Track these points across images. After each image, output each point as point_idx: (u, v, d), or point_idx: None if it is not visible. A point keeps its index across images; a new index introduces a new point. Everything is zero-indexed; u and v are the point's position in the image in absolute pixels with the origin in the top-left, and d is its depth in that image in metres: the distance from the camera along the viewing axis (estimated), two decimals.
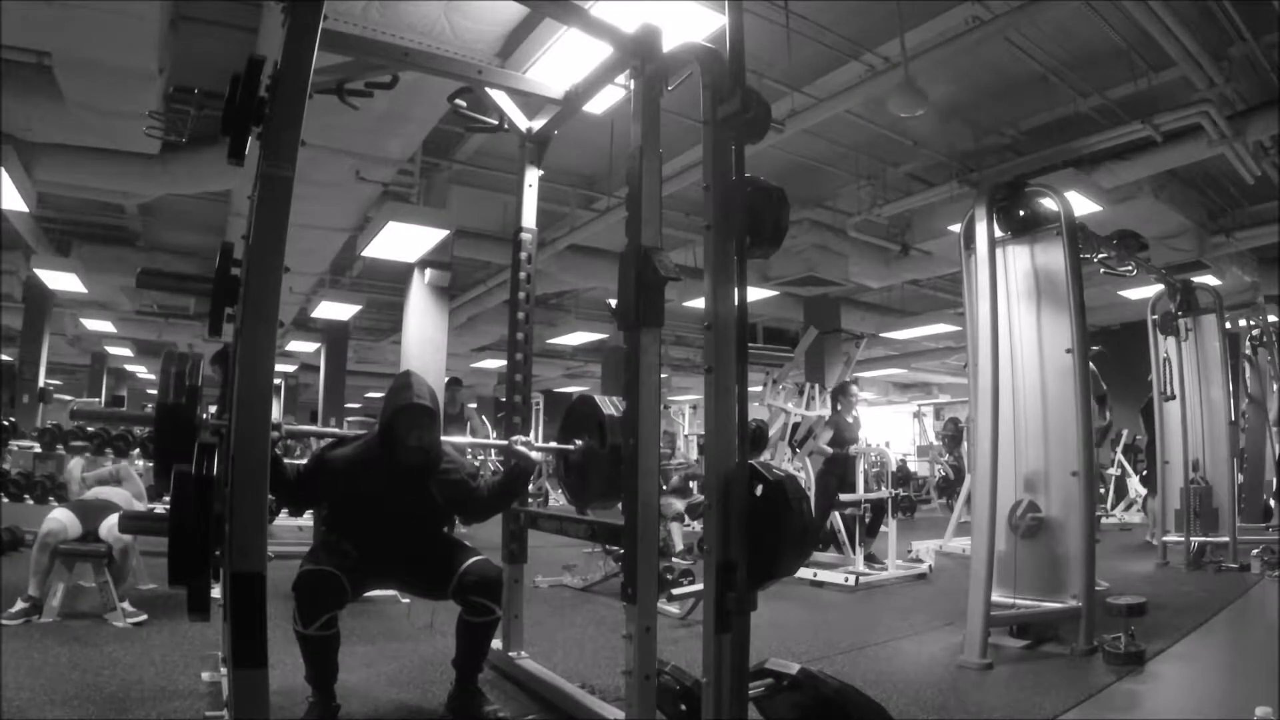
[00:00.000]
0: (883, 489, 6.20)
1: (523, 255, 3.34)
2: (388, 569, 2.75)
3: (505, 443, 2.93)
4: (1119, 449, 10.75)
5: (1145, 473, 9.36)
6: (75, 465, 4.89)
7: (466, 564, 2.68)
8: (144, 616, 3.78)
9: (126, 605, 3.80)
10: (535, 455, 2.89)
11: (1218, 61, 5.00)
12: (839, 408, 6.60)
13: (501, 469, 3.48)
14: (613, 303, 2.73)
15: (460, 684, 2.75)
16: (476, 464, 2.94)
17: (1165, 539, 6.50)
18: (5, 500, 5.57)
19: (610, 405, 2.79)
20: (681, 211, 7.36)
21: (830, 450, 6.30)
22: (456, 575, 2.66)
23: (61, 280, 9.07)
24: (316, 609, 2.42)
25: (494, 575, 2.70)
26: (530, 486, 3.67)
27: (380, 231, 6.57)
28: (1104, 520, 9.36)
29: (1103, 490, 10.22)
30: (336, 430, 2.92)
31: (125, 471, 4.74)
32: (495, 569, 2.73)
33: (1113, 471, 10.63)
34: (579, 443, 2.93)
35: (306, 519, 5.95)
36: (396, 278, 9.15)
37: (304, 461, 6.64)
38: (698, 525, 6.62)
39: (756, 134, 2.15)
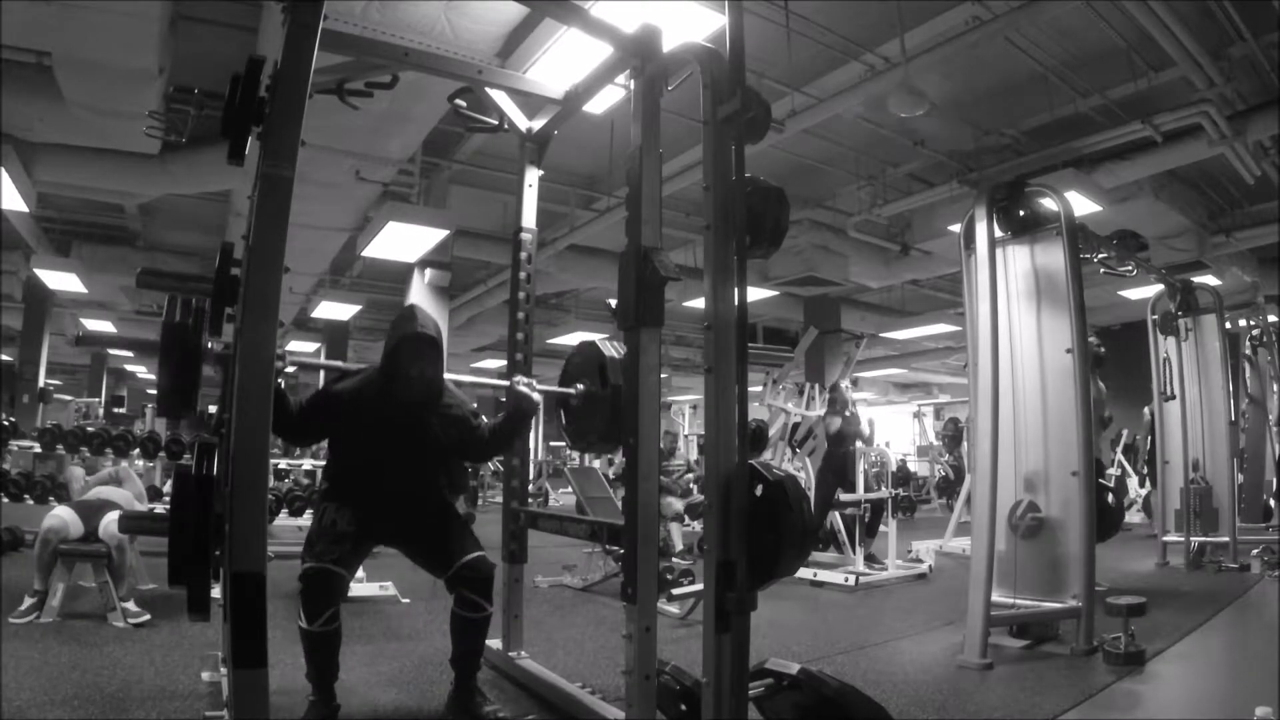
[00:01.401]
0: (882, 489, 6.20)
1: (523, 255, 3.34)
2: (390, 528, 2.72)
3: (507, 382, 2.91)
4: (1119, 449, 10.75)
5: (1146, 471, 9.37)
6: (77, 472, 4.92)
7: (466, 558, 2.67)
8: (147, 616, 3.77)
9: (130, 605, 3.79)
10: (536, 396, 2.86)
11: (1218, 61, 5.00)
12: (836, 407, 6.60)
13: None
14: (613, 303, 2.71)
15: (459, 683, 2.74)
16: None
17: (1165, 539, 6.50)
18: (5, 500, 5.57)
19: (610, 348, 2.81)
20: (681, 211, 7.37)
21: (838, 423, 6.33)
22: (455, 566, 2.66)
23: (61, 280, 9.08)
24: (320, 605, 2.43)
25: (488, 573, 2.70)
26: (530, 486, 3.67)
27: (380, 231, 6.58)
28: None
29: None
30: (340, 364, 2.91)
31: (125, 472, 4.75)
32: (490, 566, 2.73)
33: (1113, 471, 10.63)
34: (580, 387, 2.93)
35: (306, 519, 5.95)
36: (396, 278, 9.16)
37: (306, 480, 6.63)
38: (698, 525, 6.62)
39: (756, 134, 2.15)
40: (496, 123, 3.32)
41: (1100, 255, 4.94)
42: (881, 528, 6.10)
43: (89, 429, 6.08)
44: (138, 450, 5.94)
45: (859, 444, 6.35)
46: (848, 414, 6.51)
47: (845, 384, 6.90)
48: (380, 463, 2.66)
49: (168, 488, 5.54)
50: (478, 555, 2.71)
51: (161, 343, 2.02)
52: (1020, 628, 3.87)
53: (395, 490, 2.69)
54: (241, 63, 2.04)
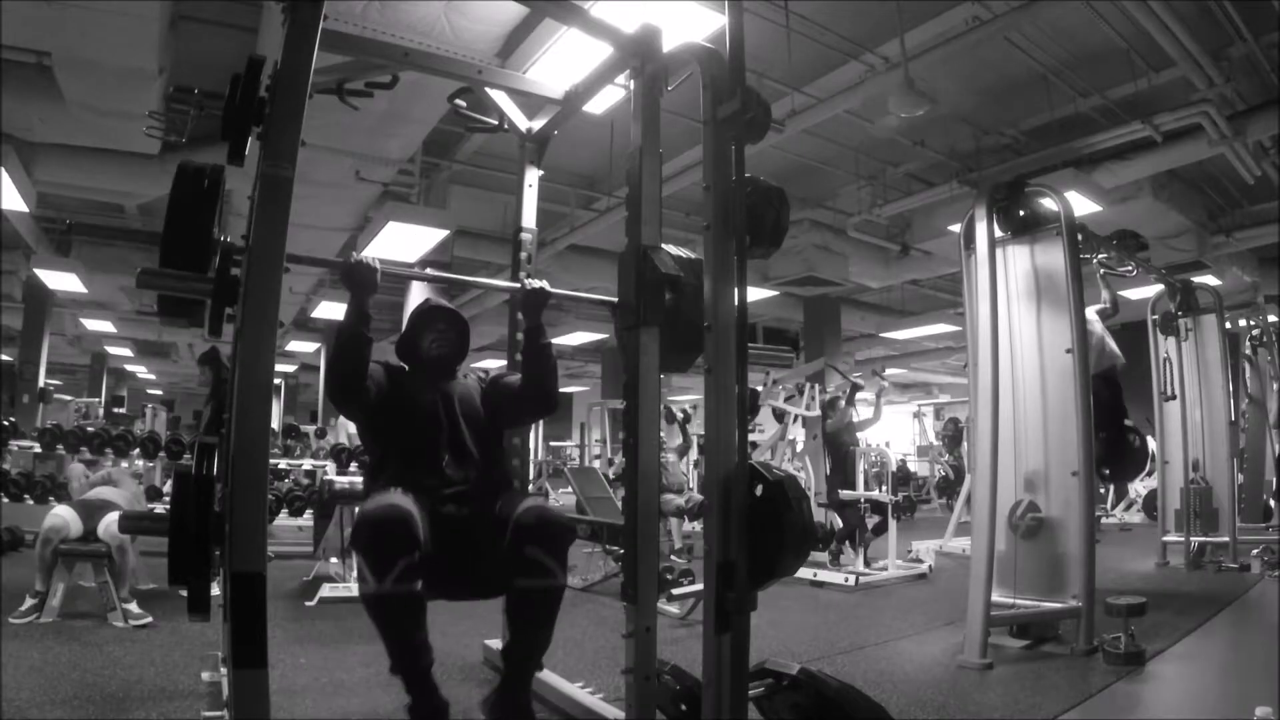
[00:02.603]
0: (882, 490, 6.21)
1: (523, 255, 3.34)
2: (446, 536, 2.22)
3: (516, 285, 2.74)
4: None
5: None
6: (77, 467, 4.91)
7: (521, 509, 2.26)
8: (149, 619, 3.75)
9: (133, 607, 3.78)
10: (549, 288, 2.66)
11: (1218, 61, 5.00)
12: (833, 411, 6.61)
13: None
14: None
15: (504, 685, 2.29)
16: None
17: (1165, 539, 6.50)
18: (5, 500, 5.58)
19: (682, 251, 2.45)
20: (681, 211, 7.36)
21: (835, 418, 6.36)
22: (509, 523, 2.22)
23: (61, 280, 9.07)
24: (388, 555, 1.93)
25: (554, 522, 2.24)
26: (530, 486, 3.64)
27: (380, 231, 6.58)
28: (1104, 520, 9.36)
29: (1102, 490, 10.20)
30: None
31: (119, 474, 4.75)
32: (558, 517, 2.28)
33: None
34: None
35: (306, 519, 5.95)
36: (396, 278, 9.12)
37: (306, 480, 6.60)
38: (697, 526, 6.62)
39: (756, 134, 2.15)
40: (496, 123, 3.31)
41: (1100, 255, 4.94)
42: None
43: (89, 429, 6.08)
44: (138, 450, 5.94)
45: (860, 438, 6.37)
46: (846, 422, 6.52)
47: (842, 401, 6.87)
48: (430, 444, 2.43)
49: (168, 488, 5.55)
50: (534, 503, 2.37)
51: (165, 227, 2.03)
52: (1020, 628, 3.87)
53: (452, 469, 2.40)
54: (241, 63, 2.04)
